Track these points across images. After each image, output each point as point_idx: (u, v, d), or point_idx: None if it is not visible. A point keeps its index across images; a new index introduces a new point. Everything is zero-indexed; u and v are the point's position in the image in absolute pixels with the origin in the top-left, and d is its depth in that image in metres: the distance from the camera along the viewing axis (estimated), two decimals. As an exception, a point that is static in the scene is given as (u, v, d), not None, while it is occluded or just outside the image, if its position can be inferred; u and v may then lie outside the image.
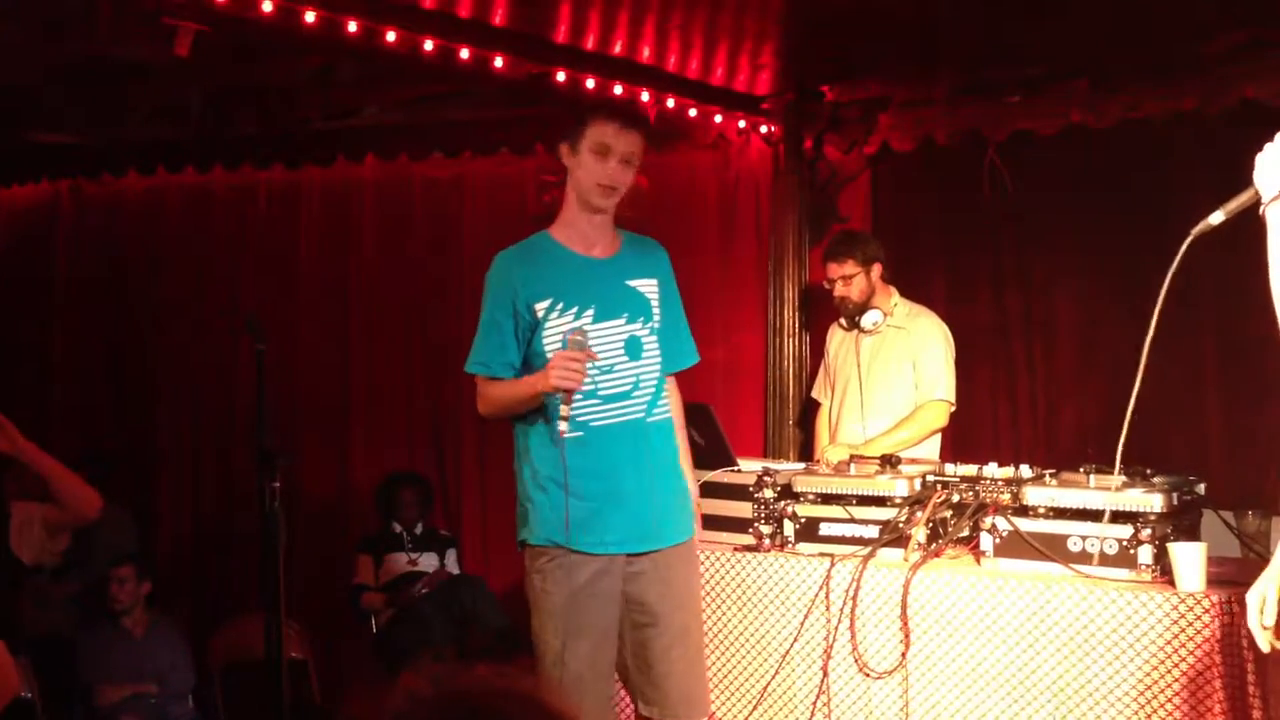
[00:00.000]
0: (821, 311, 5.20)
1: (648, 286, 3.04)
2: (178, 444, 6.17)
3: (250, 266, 6.02)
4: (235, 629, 4.88)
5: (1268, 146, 2.26)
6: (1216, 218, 2.25)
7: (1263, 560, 3.30)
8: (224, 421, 5.91)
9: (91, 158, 6.18)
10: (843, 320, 4.46)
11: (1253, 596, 2.28)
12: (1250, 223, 4.48)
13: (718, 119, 5.12)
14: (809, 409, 4.85)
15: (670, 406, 3.11)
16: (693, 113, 5.00)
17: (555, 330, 2.93)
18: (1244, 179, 4.46)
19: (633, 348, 2.98)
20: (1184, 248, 2.30)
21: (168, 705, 4.70)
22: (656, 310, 3.04)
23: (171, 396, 6.16)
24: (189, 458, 6.14)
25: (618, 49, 4.45)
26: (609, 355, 2.95)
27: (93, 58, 4.56)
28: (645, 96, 4.72)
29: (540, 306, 2.94)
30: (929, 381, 4.24)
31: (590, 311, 2.94)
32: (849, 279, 4.31)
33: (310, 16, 3.69)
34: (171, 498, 6.17)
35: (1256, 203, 2.28)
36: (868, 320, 4.33)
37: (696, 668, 3.10)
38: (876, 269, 4.32)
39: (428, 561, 5.19)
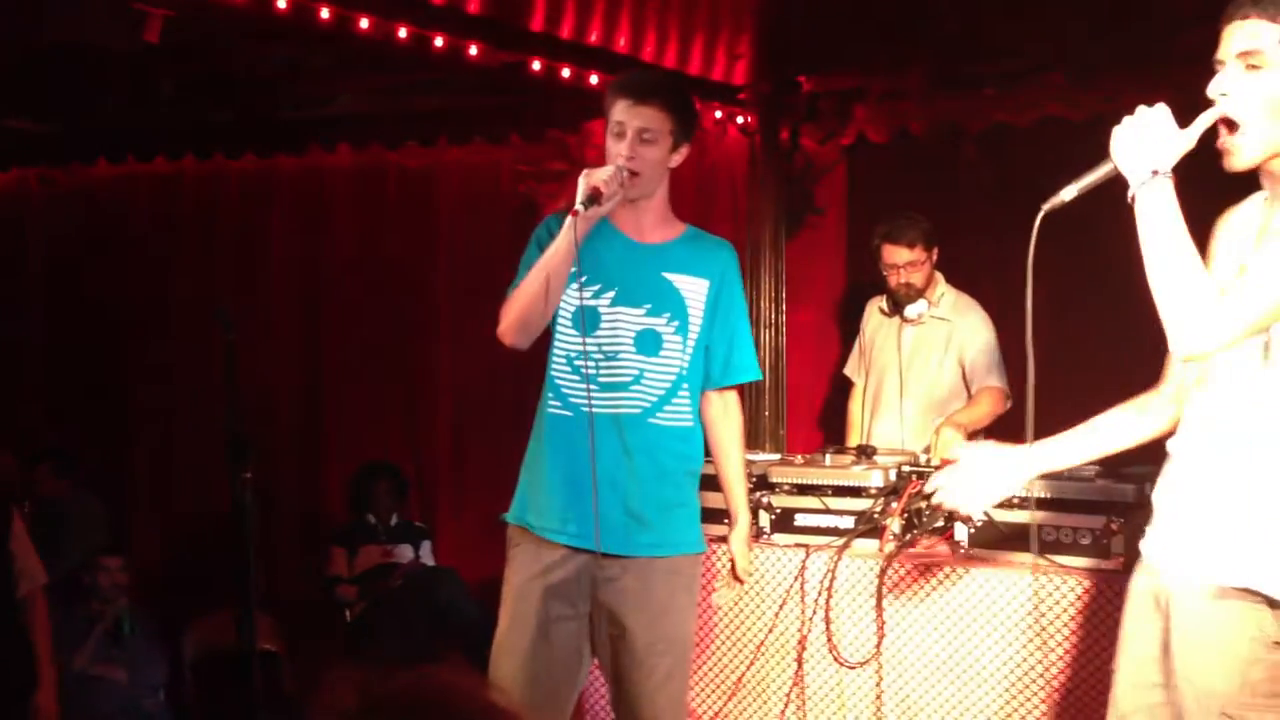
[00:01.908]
0: (801, 303, 5.20)
1: (691, 285, 2.85)
2: (149, 434, 6.12)
3: (222, 256, 5.97)
4: (207, 622, 4.84)
5: (1129, 121, 2.12)
6: (1069, 193, 2.16)
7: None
8: (196, 411, 5.87)
9: (61, 146, 6.11)
10: (884, 305, 4.32)
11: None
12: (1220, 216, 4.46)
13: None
14: (840, 385, 4.76)
15: (719, 422, 2.91)
16: (669, 102, 4.98)
17: (570, 301, 2.79)
18: (1219, 171, 4.47)
19: (645, 341, 2.82)
20: (1036, 225, 2.25)
21: (140, 698, 4.66)
22: (697, 312, 2.84)
23: (143, 386, 6.11)
24: (161, 448, 6.10)
25: (594, 38, 4.43)
26: (618, 342, 2.81)
27: (61, 44, 4.51)
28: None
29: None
30: (986, 375, 4.14)
31: (611, 293, 2.82)
32: (917, 265, 4.14)
33: (281, 3, 3.65)
34: (143, 488, 6.12)
35: (1115, 179, 2.15)
36: (912, 310, 4.20)
37: (672, 691, 2.83)
38: (935, 253, 4.19)
39: (402, 553, 5.17)
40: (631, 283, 2.82)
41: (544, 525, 2.82)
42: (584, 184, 2.65)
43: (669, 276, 2.84)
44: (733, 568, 3.02)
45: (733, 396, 2.96)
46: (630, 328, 2.82)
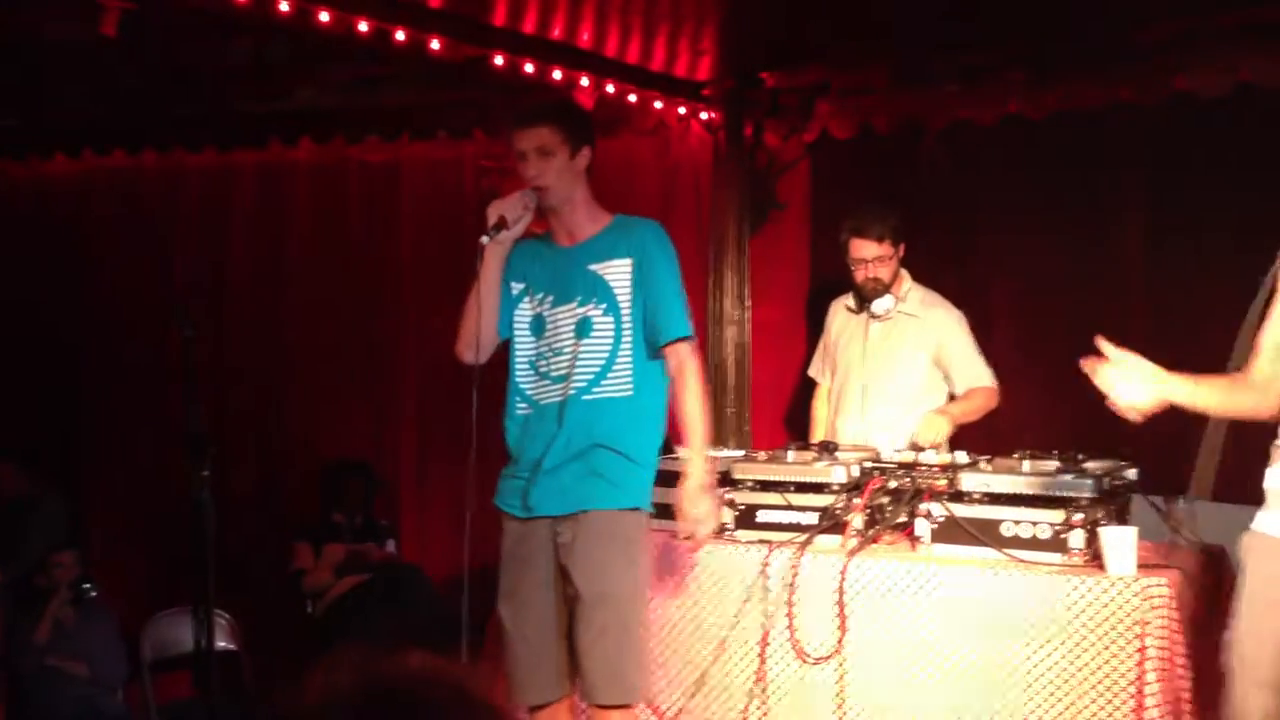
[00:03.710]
0: (765, 299, 5.20)
1: (614, 267, 3.08)
2: (108, 432, 6.05)
3: (182, 251, 5.90)
4: (166, 621, 4.79)
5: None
6: None
7: (1191, 544, 3.36)
8: (155, 409, 5.80)
9: (17, 139, 6.02)
10: (851, 302, 4.30)
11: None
12: (1183, 211, 4.50)
13: (657, 105, 5.09)
14: (805, 387, 4.77)
15: (674, 379, 3.06)
16: (632, 98, 4.97)
17: (521, 313, 3.15)
18: (1176, 169, 4.50)
19: (582, 328, 3.08)
20: None
21: (98, 698, 4.61)
22: (624, 290, 3.07)
23: (101, 383, 6.03)
24: (119, 446, 6.03)
25: (556, 33, 4.41)
26: (561, 338, 3.09)
27: (17, 36, 4.44)
28: (584, 82, 4.69)
29: (515, 286, 3.17)
30: (972, 372, 4.12)
31: (551, 297, 3.12)
32: (885, 260, 4.11)
33: (241, -5, 3.61)
34: (102, 487, 6.05)
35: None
36: (879, 306, 4.16)
37: (606, 646, 3.00)
38: (903, 249, 4.17)
39: (367, 552, 5.13)
40: (564, 284, 3.11)
41: (507, 503, 3.13)
42: (491, 214, 3.02)
43: (593, 268, 3.10)
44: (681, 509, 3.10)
45: (678, 351, 3.08)
46: (569, 322, 3.10)
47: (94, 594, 4.66)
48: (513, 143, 3.08)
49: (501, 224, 3.02)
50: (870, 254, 4.12)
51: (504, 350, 3.18)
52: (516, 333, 3.15)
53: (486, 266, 3.05)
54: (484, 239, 3.01)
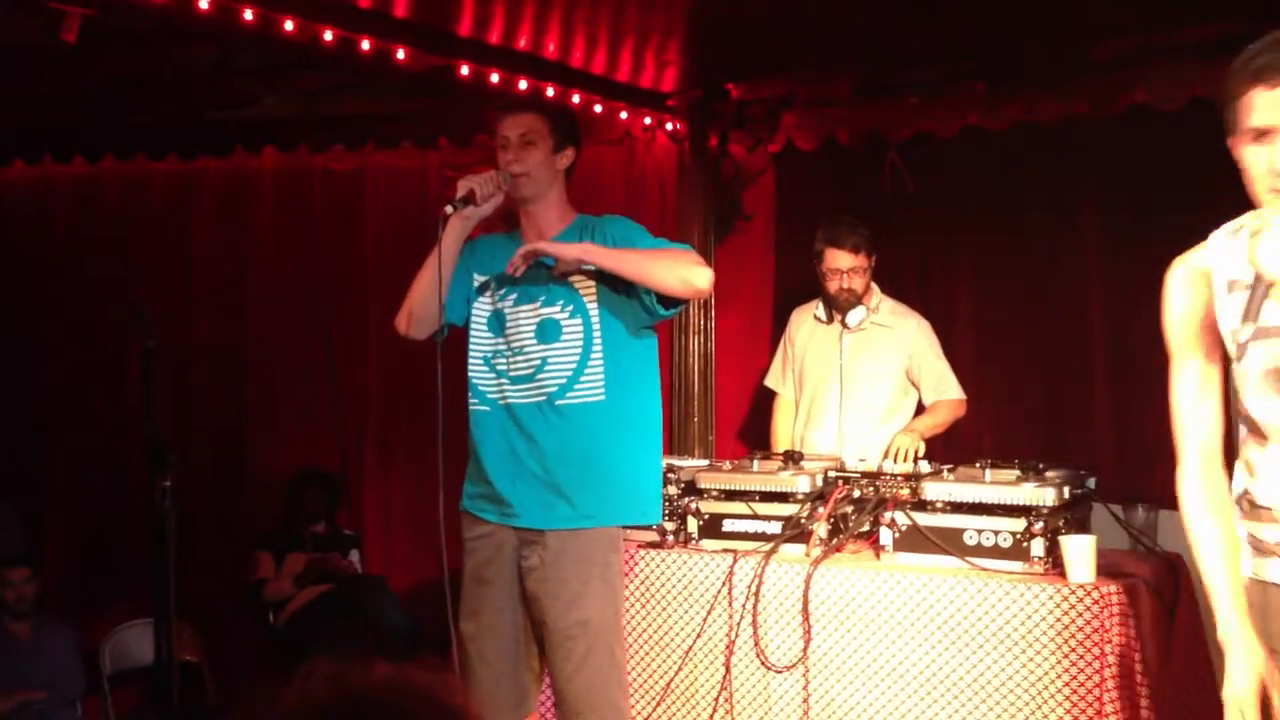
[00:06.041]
0: (730, 309, 5.22)
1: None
2: (67, 442, 5.97)
3: (143, 259, 5.85)
4: (126, 632, 4.75)
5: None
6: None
7: (1150, 552, 3.40)
8: (115, 419, 5.75)
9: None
10: (820, 312, 4.34)
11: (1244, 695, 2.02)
12: (1140, 224, 4.56)
13: (623, 115, 5.10)
14: (762, 397, 4.78)
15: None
16: (598, 109, 4.98)
17: (480, 307, 3.10)
18: (1131, 180, 4.55)
19: (545, 331, 3.02)
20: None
21: (55, 712, 4.55)
22: (589, 289, 3.00)
23: (60, 391, 5.96)
24: (79, 456, 5.95)
25: (522, 43, 4.41)
26: (521, 338, 3.04)
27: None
28: (550, 91, 4.69)
29: (478, 278, 3.13)
30: (943, 383, 4.22)
31: (513, 295, 3.07)
32: (860, 271, 4.17)
33: (204, 2, 3.58)
34: (61, 498, 5.97)
35: None
36: (853, 317, 4.22)
37: (589, 674, 2.95)
38: (874, 260, 4.24)
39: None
40: (527, 282, 3.07)
41: (477, 507, 3.09)
42: (460, 186, 2.94)
43: (555, 269, 3.04)
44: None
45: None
46: (530, 322, 3.05)
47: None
48: (497, 129, 3.05)
49: (470, 198, 2.93)
50: (846, 264, 4.17)
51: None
52: (473, 327, 3.10)
53: (445, 238, 2.94)
54: (448, 208, 2.91)
